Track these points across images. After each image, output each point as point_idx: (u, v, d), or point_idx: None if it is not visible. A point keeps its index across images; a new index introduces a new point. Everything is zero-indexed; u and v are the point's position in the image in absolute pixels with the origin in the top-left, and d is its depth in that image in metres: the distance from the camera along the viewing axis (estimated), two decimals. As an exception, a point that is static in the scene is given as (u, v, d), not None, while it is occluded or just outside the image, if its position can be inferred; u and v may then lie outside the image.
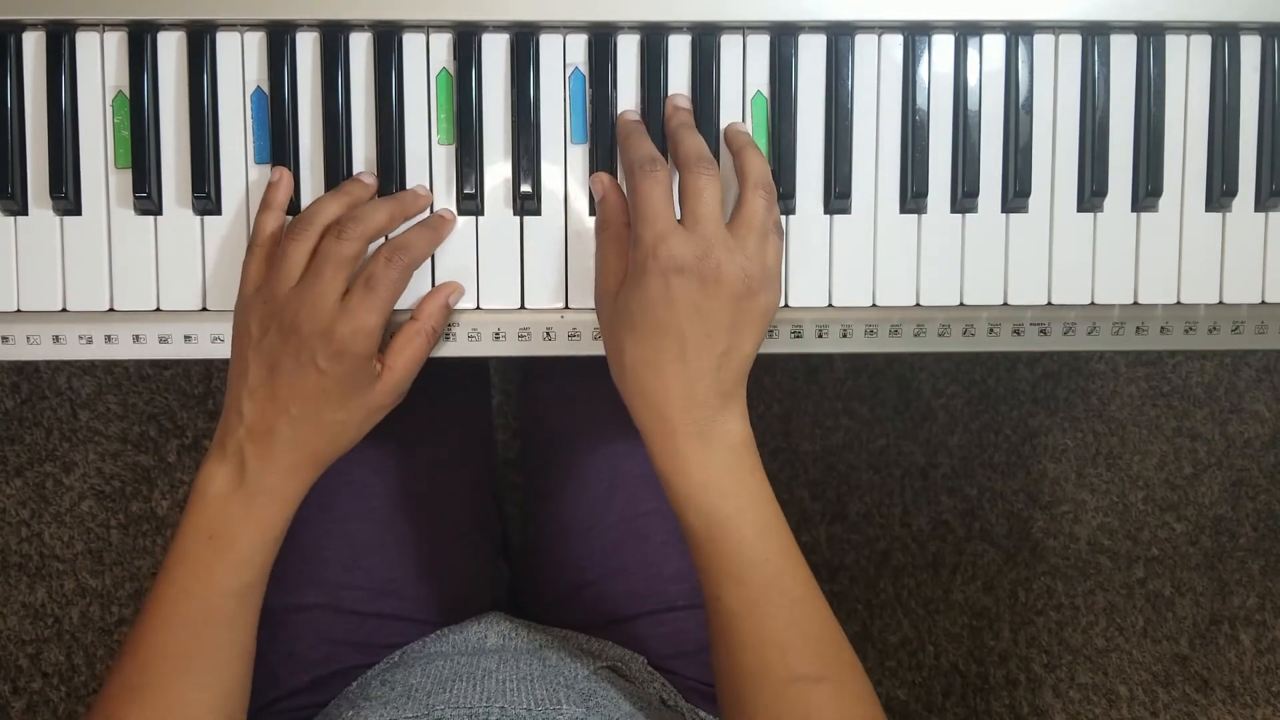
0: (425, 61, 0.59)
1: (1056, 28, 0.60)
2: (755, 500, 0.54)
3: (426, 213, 0.59)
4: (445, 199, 0.60)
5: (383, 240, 0.57)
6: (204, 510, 0.54)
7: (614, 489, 0.74)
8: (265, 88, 0.59)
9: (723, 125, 0.59)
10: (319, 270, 0.54)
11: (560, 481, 0.76)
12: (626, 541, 0.73)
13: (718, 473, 0.53)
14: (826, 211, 0.60)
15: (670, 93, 0.59)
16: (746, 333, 0.54)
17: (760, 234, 0.54)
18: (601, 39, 0.59)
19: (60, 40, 0.58)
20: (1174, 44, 0.60)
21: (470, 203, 0.59)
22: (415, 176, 0.59)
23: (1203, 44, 0.60)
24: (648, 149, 0.56)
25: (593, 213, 0.60)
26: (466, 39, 0.59)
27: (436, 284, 0.59)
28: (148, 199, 0.58)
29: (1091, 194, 0.60)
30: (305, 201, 0.59)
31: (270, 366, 0.54)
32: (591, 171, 0.59)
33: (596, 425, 0.76)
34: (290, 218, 0.58)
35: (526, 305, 0.60)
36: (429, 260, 0.59)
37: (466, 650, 0.66)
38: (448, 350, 0.60)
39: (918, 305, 0.61)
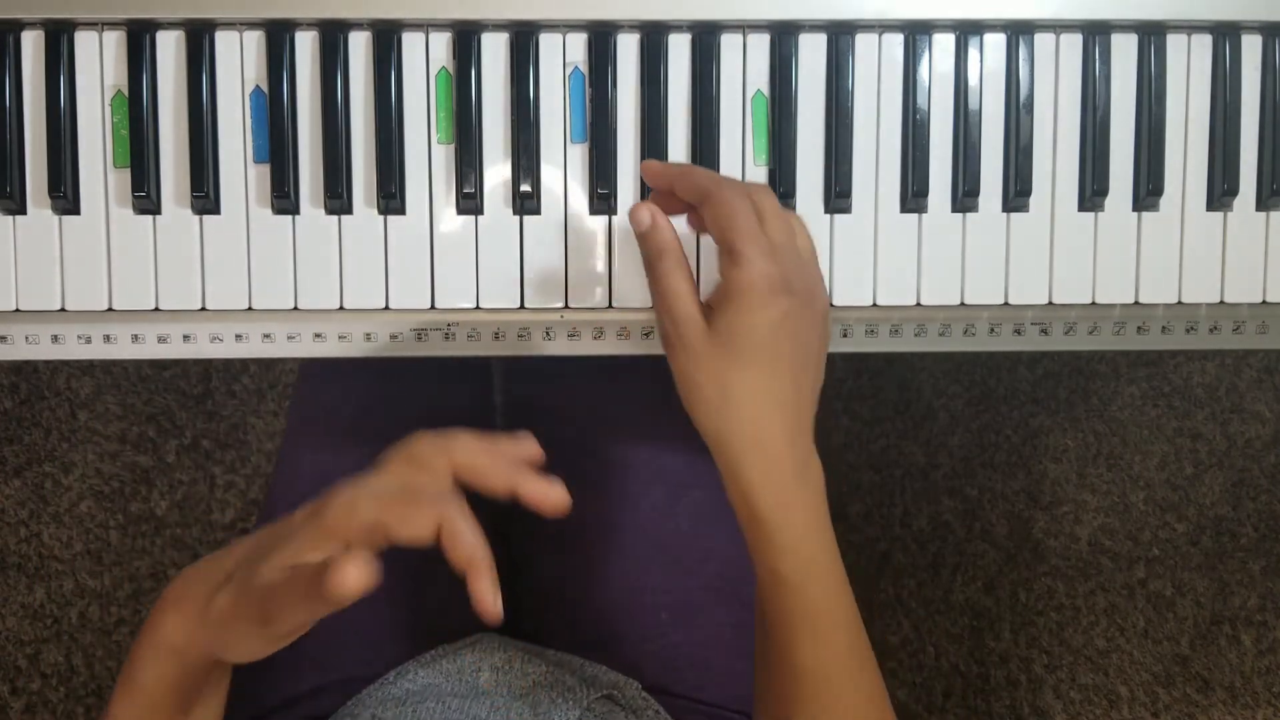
0: (425, 60, 0.59)
1: (1057, 27, 0.60)
2: (834, 548, 0.51)
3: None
4: (445, 199, 0.59)
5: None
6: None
7: (595, 501, 0.73)
8: (264, 87, 0.59)
9: (723, 125, 0.59)
10: None
11: None
12: (609, 554, 0.73)
13: (815, 519, 0.50)
14: (827, 211, 0.60)
15: (670, 83, 0.59)
16: (823, 360, 0.52)
17: (811, 252, 0.52)
18: (601, 38, 0.59)
19: (59, 39, 0.58)
20: (1175, 43, 0.60)
21: (470, 202, 0.59)
22: (414, 176, 0.59)
23: (1204, 43, 0.60)
24: (715, 172, 0.52)
25: (593, 212, 0.60)
26: (466, 38, 0.58)
27: (437, 288, 0.59)
28: (146, 198, 0.58)
29: (1092, 193, 0.60)
30: (304, 202, 0.59)
31: None
32: (592, 171, 0.59)
33: (576, 436, 0.75)
34: None
35: (526, 305, 0.60)
36: (429, 265, 0.59)
37: (461, 690, 0.65)
38: (448, 350, 0.60)
39: (918, 305, 0.60)
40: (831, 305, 0.60)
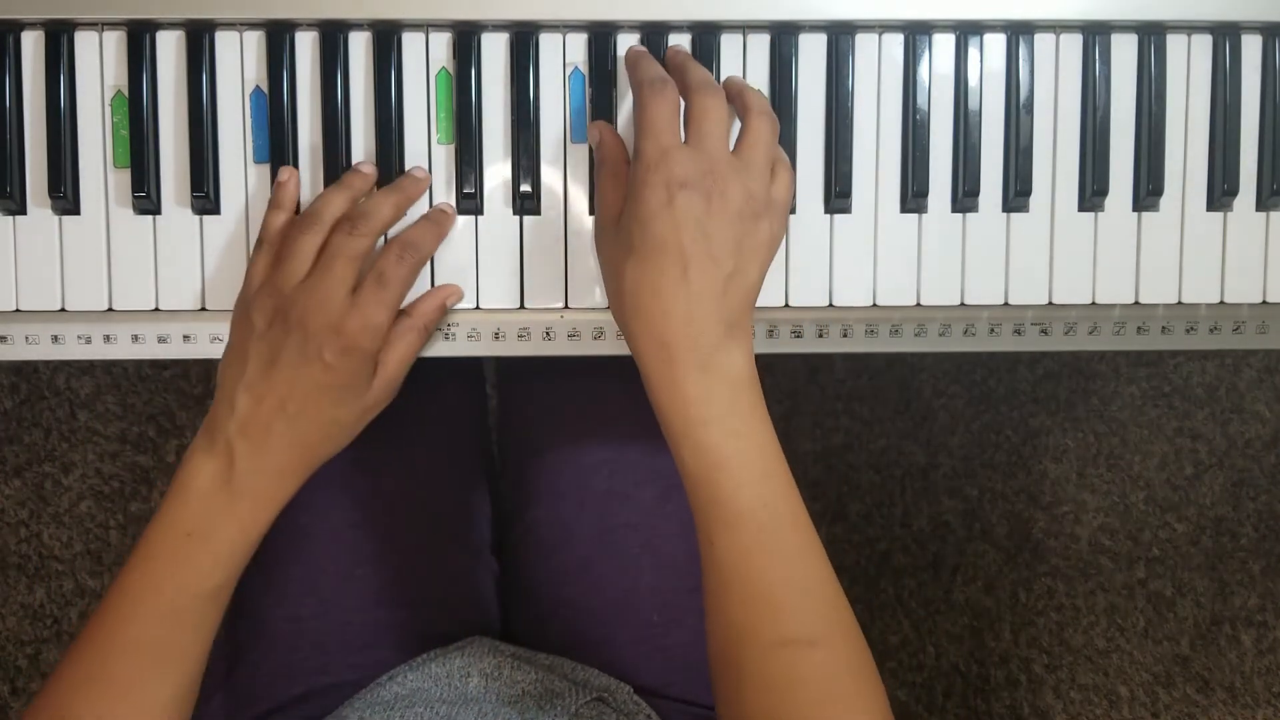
0: (425, 61, 0.59)
1: (1057, 27, 0.60)
2: (756, 441, 0.51)
3: (426, 195, 0.59)
4: (445, 199, 0.59)
5: (393, 235, 0.57)
6: (185, 505, 0.53)
7: (584, 503, 0.73)
8: (264, 87, 0.59)
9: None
10: (330, 265, 0.53)
11: (533, 495, 0.76)
12: (599, 557, 0.73)
13: (718, 408, 0.50)
14: (827, 211, 0.60)
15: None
16: (752, 258, 0.52)
17: (765, 158, 0.53)
18: (601, 38, 0.59)
19: (59, 39, 0.58)
20: (1175, 43, 0.60)
21: (470, 202, 0.59)
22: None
23: (1204, 43, 0.60)
24: (657, 70, 0.55)
25: (593, 212, 0.60)
26: (466, 38, 0.58)
27: (436, 283, 0.59)
28: (146, 198, 0.58)
29: (1092, 193, 0.60)
30: (305, 203, 0.59)
31: (271, 360, 0.53)
32: (592, 172, 0.59)
33: (566, 438, 0.75)
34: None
35: (526, 305, 0.60)
36: (429, 265, 0.59)
37: (449, 696, 0.65)
38: (447, 350, 0.60)
39: (918, 305, 0.60)
40: (831, 305, 0.60)
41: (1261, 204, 0.61)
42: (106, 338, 0.60)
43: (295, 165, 0.59)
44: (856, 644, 0.52)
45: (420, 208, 0.59)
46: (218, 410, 0.54)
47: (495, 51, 0.59)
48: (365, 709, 0.63)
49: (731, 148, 0.53)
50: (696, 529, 0.52)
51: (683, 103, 0.54)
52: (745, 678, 0.50)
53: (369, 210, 0.55)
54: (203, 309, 0.59)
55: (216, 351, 0.60)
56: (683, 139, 0.53)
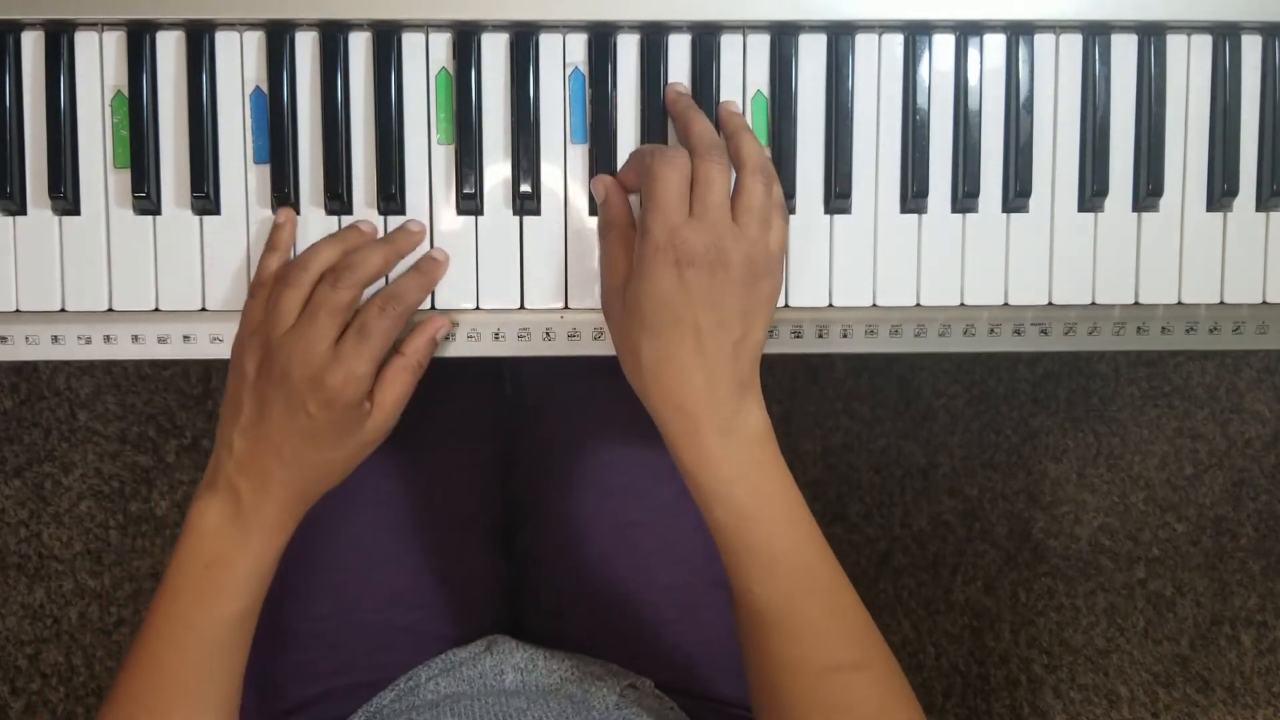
0: (425, 61, 0.59)
1: (1057, 27, 0.60)
2: (781, 490, 0.54)
3: (425, 245, 0.59)
4: (445, 199, 0.59)
5: (380, 284, 0.58)
6: (199, 542, 0.55)
7: (601, 500, 0.74)
8: (264, 87, 0.59)
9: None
10: (313, 317, 0.54)
11: (550, 492, 0.76)
12: (617, 554, 0.73)
13: (745, 467, 0.53)
14: (827, 211, 0.60)
15: (670, 80, 0.59)
16: (757, 318, 0.54)
17: (761, 219, 0.54)
18: (601, 38, 0.59)
19: (59, 40, 0.58)
20: (1175, 43, 0.60)
21: (470, 203, 0.59)
22: (414, 177, 0.59)
23: (1204, 44, 0.60)
24: (661, 146, 0.55)
25: (593, 213, 0.60)
26: (466, 38, 0.58)
27: (436, 299, 0.59)
28: (146, 199, 0.58)
29: (1092, 194, 0.60)
30: (304, 203, 0.59)
31: (262, 408, 0.55)
32: (591, 172, 0.59)
33: (584, 434, 0.75)
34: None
35: (526, 305, 0.60)
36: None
37: (489, 690, 0.66)
38: (447, 351, 0.60)
39: (918, 305, 0.60)
40: (831, 306, 0.60)
41: (1261, 204, 0.61)
42: (106, 338, 0.60)
43: (295, 166, 0.59)
44: (894, 663, 0.54)
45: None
46: (219, 453, 0.56)
47: (495, 52, 0.59)
48: (409, 711, 0.63)
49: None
50: (730, 578, 0.54)
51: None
52: (797, 704, 0.52)
53: (355, 263, 0.56)
54: (203, 309, 0.59)
55: (216, 351, 0.60)
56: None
